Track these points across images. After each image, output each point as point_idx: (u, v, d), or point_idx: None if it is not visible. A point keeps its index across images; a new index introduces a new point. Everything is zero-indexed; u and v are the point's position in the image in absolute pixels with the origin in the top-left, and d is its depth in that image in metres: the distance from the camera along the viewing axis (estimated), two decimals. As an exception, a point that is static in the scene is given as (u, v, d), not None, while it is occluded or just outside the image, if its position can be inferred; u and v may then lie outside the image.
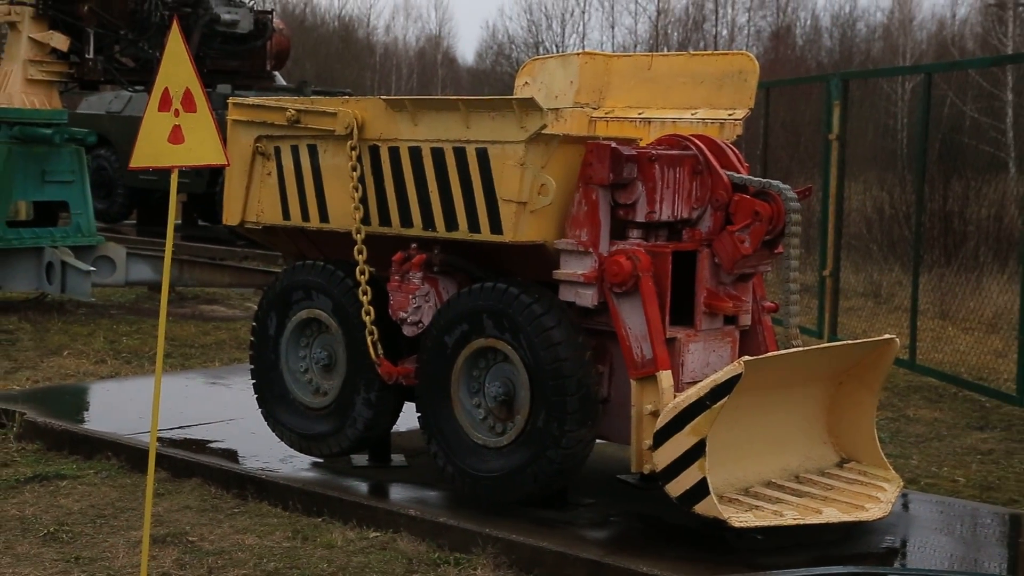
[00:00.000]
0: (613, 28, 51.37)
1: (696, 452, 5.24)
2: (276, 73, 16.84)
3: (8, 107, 11.79)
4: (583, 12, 52.49)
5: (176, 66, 4.81)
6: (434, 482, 6.20)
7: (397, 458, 6.64)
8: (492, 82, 46.62)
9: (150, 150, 4.84)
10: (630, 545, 5.48)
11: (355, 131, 6.20)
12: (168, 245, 5.04)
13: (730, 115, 6.59)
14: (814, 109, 18.12)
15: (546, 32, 50.39)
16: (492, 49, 53.25)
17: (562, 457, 5.64)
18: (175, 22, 4.94)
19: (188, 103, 4.82)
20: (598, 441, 5.88)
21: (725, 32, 47.74)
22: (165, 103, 4.80)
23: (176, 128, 4.81)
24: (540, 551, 5.37)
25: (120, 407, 7.92)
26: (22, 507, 6.11)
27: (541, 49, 47.48)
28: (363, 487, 6.27)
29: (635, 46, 48.05)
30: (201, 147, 4.82)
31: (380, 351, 6.26)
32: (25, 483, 6.49)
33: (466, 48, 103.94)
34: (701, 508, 5.24)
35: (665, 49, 42.90)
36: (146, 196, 20.09)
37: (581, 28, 51.47)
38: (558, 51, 44.76)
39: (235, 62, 15.03)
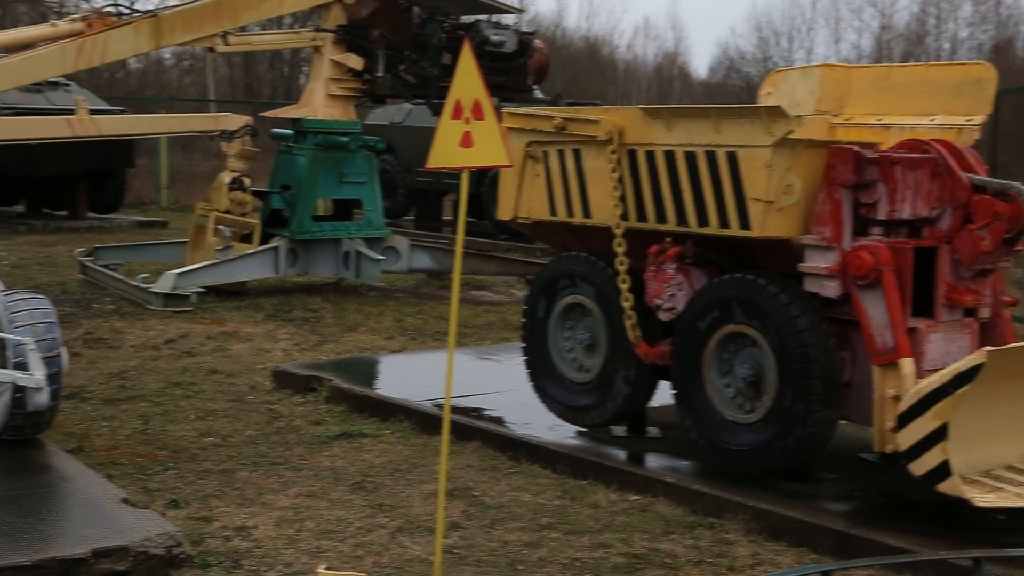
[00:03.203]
0: (837, 43, 49.40)
1: (939, 435, 4.98)
2: (535, 87, 16.99)
3: (313, 119, 12.33)
4: (809, 29, 50.91)
5: (467, 80, 4.87)
6: (686, 453, 6.13)
7: (652, 430, 6.58)
8: (723, 94, 45.71)
9: (445, 153, 4.93)
10: (873, 519, 5.26)
11: (615, 137, 6.20)
12: (459, 238, 5.14)
13: (968, 121, 6.28)
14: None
15: (774, 48, 49.05)
16: (724, 64, 52.24)
17: (808, 435, 5.47)
18: (466, 43, 5.00)
19: (477, 112, 4.88)
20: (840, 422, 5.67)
21: (947, 45, 45.33)
22: (457, 112, 4.88)
23: (467, 134, 4.88)
24: (789, 520, 5.22)
25: (409, 377, 8.16)
26: (333, 459, 6.35)
27: (770, 64, 46.22)
28: (622, 455, 6.25)
29: (859, 59, 46.20)
30: (488, 151, 4.88)
31: (638, 334, 6.24)
32: (334, 439, 6.73)
33: (699, 63, 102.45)
34: (944, 487, 4.98)
35: (887, 62, 41.08)
36: (422, 195, 20.59)
37: (808, 43, 49.87)
38: (786, 65, 43.49)
39: (501, 78, 15.20)
